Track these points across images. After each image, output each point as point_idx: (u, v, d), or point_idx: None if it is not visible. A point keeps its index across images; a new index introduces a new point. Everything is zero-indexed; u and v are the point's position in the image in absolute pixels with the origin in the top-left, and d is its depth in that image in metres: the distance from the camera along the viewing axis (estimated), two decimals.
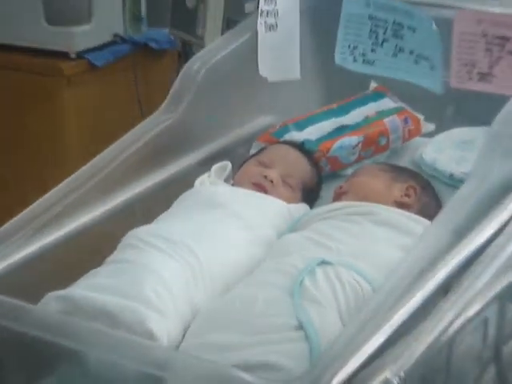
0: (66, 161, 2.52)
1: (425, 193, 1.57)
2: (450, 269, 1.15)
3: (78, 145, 2.57)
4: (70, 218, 1.42)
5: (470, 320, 1.12)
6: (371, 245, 1.36)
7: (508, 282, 1.18)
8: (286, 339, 1.15)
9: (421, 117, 1.83)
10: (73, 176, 1.47)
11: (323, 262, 1.28)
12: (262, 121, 1.86)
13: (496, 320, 1.22)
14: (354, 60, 1.77)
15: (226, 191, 1.56)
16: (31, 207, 1.39)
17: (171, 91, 1.66)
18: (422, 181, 1.61)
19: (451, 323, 1.09)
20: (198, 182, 1.60)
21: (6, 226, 1.35)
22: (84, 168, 1.49)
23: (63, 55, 2.53)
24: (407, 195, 1.54)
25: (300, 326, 1.17)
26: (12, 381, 1.16)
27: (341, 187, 1.60)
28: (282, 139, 1.75)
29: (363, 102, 1.85)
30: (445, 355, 1.12)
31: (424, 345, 1.04)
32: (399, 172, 1.61)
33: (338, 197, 1.58)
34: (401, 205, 1.51)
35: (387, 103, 1.84)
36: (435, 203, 1.56)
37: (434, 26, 1.61)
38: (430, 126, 1.84)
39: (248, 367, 1.09)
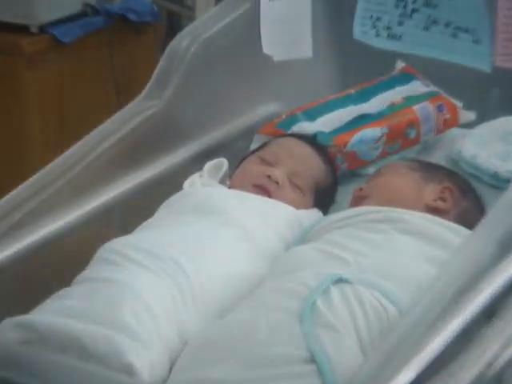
0: (27, 157, 2.53)
1: (464, 196, 1.57)
2: (494, 288, 1.15)
3: (41, 137, 2.58)
4: (33, 226, 1.42)
5: None
6: (397, 258, 1.36)
7: None
8: (294, 374, 1.15)
9: (459, 104, 1.83)
10: (36, 176, 1.47)
11: (339, 280, 1.28)
12: (266, 109, 1.86)
13: None
14: (377, 34, 1.77)
15: (221, 195, 1.55)
16: None
17: (155, 73, 1.67)
18: (460, 181, 1.61)
19: (498, 355, 1.09)
20: (187, 184, 1.61)
21: None
22: (50, 166, 1.49)
23: (23, 29, 2.54)
24: (442, 199, 1.54)
25: (311, 358, 1.16)
26: None
27: (361, 189, 1.60)
28: (289, 131, 1.76)
29: (388, 85, 1.86)
30: None
31: (465, 382, 1.04)
32: (432, 171, 1.61)
33: (357, 201, 1.58)
34: (434, 210, 1.51)
35: (417, 87, 1.84)
36: (477, 209, 1.56)
37: None
38: (469, 115, 1.84)
39: None
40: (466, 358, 1.06)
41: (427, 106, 1.80)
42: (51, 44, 2.56)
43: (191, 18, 2.58)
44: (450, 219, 1.48)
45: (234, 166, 1.66)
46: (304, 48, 1.81)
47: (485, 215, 1.35)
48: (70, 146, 1.52)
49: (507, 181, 1.65)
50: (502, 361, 1.09)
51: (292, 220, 1.54)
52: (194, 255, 1.37)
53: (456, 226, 1.45)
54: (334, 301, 1.25)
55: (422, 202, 1.52)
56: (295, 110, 1.80)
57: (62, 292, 1.32)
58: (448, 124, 1.83)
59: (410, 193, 1.54)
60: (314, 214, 1.60)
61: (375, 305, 1.24)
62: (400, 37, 1.75)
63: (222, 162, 1.66)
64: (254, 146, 1.75)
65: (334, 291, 1.26)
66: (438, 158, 1.78)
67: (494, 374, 1.08)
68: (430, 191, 1.55)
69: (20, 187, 1.44)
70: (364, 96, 1.83)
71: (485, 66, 1.64)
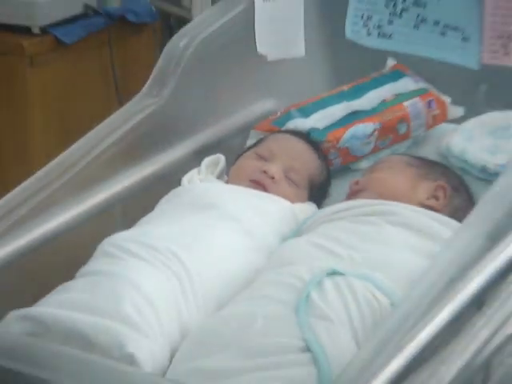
0: (29, 155, 2.52)
1: (457, 194, 1.57)
2: (483, 278, 1.15)
3: (43, 137, 2.57)
4: (37, 222, 1.42)
5: (509, 338, 1.12)
6: (390, 251, 1.36)
7: None
8: (290, 363, 1.15)
9: (447, 99, 1.83)
10: (39, 173, 1.47)
11: (333, 273, 1.28)
12: (261, 106, 1.86)
13: None
14: (368, 33, 1.77)
15: (219, 189, 1.56)
16: None
17: (153, 72, 1.66)
18: (454, 179, 1.60)
19: (487, 342, 1.09)
20: (185, 179, 1.60)
21: None
22: (52, 163, 1.49)
23: (25, 30, 2.52)
24: (435, 197, 1.54)
25: (306, 348, 1.17)
26: None
27: (357, 182, 1.59)
28: (284, 128, 1.76)
29: (379, 82, 1.85)
30: (480, 381, 1.12)
31: (454, 369, 1.04)
32: (428, 167, 1.60)
33: (353, 194, 1.58)
34: (427, 208, 1.50)
35: (408, 84, 1.84)
36: (469, 206, 1.55)
37: None
38: (458, 111, 1.84)
39: None
40: (456, 345, 1.06)
41: (417, 103, 1.80)
42: (53, 45, 2.55)
43: (188, 19, 2.57)
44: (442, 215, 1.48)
45: (231, 161, 1.66)
46: (297, 47, 1.81)
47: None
48: (71, 145, 1.52)
49: (495, 174, 1.64)
50: (490, 348, 1.09)
51: (287, 213, 1.54)
52: (193, 248, 1.37)
53: (446, 218, 1.45)
54: (327, 292, 1.25)
55: (415, 200, 1.52)
56: (290, 107, 1.80)
57: (66, 285, 1.32)
58: (437, 119, 1.83)
59: (405, 190, 1.53)
60: (309, 207, 1.60)
61: (368, 296, 1.25)
62: (390, 35, 1.75)
63: (220, 158, 1.66)
64: (250, 143, 1.75)
65: (328, 283, 1.26)
66: (427, 152, 1.77)
67: (483, 360, 1.08)
68: (424, 189, 1.54)
69: (23, 184, 1.44)
70: (356, 93, 1.82)
71: (473, 64, 1.63)
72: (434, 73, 1.80)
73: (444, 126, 1.84)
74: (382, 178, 1.58)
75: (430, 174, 1.58)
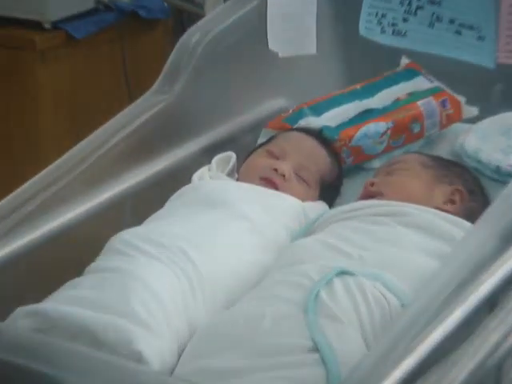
0: (39, 150, 2.53)
1: (472, 197, 1.56)
2: (496, 280, 1.15)
3: (53, 131, 2.58)
4: (46, 217, 1.42)
5: None
6: (401, 251, 1.35)
7: None
8: (298, 363, 1.15)
9: (462, 99, 1.83)
10: (49, 168, 1.47)
11: (343, 272, 1.28)
12: (273, 104, 1.86)
13: None
14: (382, 31, 1.77)
15: (229, 187, 1.55)
16: None
17: (165, 68, 1.66)
18: (470, 181, 1.59)
19: (499, 345, 1.09)
20: (196, 177, 1.60)
21: None
22: (62, 158, 1.49)
23: (36, 26, 2.53)
24: (452, 201, 1.53)
25: (315, 348, 1.16)
26: None
27: (372, 184, 1.58)
28: (295, 126, 1.75)
29: (393, 81, 1.85)
30: None
31: (466, 371, 1.04)
32: (445, 169, 1.59)
33: (368, 196, 1.57)
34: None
35: (421, 83, 1.84)
36: (484, 208, 1.54)
37: None
38: (472, 110, 1.83)
39: None
40: (467, 347, 1.06)
41: (431, 102, 1.79)
42: (64, 40, 2.55)
43: (200, 15, 2.57)
44: None
45: (242, 159, 1.66)
46: (309, 44, 1.80)
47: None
48: (82, 140, 1.52)
49: (509, 175, 1.64)
50: (502, 350, 1.08)
51: (298, 212, 1.53)
52: (203, 246, 1.37)
53: (460, 220, 1.44)
54: (337, 292, 1.24)
55: (432, 205, 1.49)
56: (302, 105, 1.80)
57: (74, 281, 1.32)
58: (451, 119, 1.82)
59: (421, 196, 1.52)
60: (320, 206, 1.60)
61: (377, 296, 1.24)
62: (405, 33, 1.74)
63: (230, 156, 1.66)
64: (261, 140, 1.75)
65: (337, 283, 1.26)
66: (441, 152, 1.77)
67: (494, 363, 1.08)
68: (441, 193, 1.53)
69: (33, 179, 1.44)
70: (369, 91, 1.83)
71: (489, 63, 1.63)
72: (449, 72, 1.79)
73: (458, 125, 1.84)
74: (399, 182, 1.56)
75: (446, 177, 1.56)
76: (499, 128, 1.77)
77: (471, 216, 1.49)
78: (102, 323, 1.20)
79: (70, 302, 1.25)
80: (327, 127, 1.73)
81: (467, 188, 1.56)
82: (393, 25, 1.75)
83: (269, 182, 1.57)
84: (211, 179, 1.59)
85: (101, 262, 1.37)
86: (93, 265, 1.36)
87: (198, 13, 2.80)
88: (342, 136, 1.73)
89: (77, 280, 1.33)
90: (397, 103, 1.79)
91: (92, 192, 1.49)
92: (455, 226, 1.41)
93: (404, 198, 1.49)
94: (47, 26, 2.53)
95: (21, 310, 1.25)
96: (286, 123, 1.77)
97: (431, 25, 1.71)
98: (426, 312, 1.09)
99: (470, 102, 1.82)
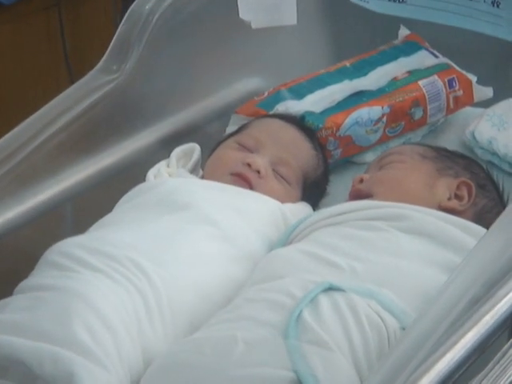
0: None
1: (483, 193, 1.56)
2: None
3: None
4: None
5: None
6: (400, 262, 1.36)
7: None
8: None
9: (473, 78, 1.83)
10: None
11: (330, 288, 1.28)
12: (245, 85, 1.87)
13: None
14: None
15: (192, 186, 1.55)
16: None
17: (113, 42, 1.67)
18: (480, 174, 1.60)
19: None
20: (151, 174, 1.60)
21: None
22: None
23: None
24: (458, 197, 1.54)
25: (297, 380, 1.16)
26: None
27: (361, 180, 1.58)
28: (272, 111, 1.76)
29: (389, 56, 1.86)
30: None
31: None
32: (448, 160, 1.60)
33: (357, 195, 1.57)
34: (448, 211, 1.50)
35: (424, 58, 1.85)
36: (498, 206, 1.55)
37: None
38: (486, 92, 1.84)
39: None
40: (482, 379, 1.06)
41: (436, 82, 1.80)
42: None
43: None
44: (465, 219, 1.47)
45: (208, 152, 1.66)
46: (288, 14, 1.81)
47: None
48: (9, 129, 1.51)
49: None
50: None
51: (276, 215, 1.54)
52: (160, 258, 1.37)
53: (470, 223, 1.45)
54: (323, 312, 1.25)
55: (434, 202, 1.51)
56: (279, 87, 1.80)
57: (2, 303, 1.31)
58: (460, 102, 1.83)
59: (421, 191, 1.53)
60: (302, 208, 1.60)
61: (372, 316, 1.25)
62: None
63: (193, 148, 1.66)
64: (231, 129, 1.75)
65: (324, 301, 1.26)
66: (447, 142, 1.78)
67: None
68: (444, 187, 1.54)
69: None
70: (361, 69, 1.84)
71: (506, 34, 1.64)
72: (457, 46, 1.80)
73: (468, 110, 1.85)
74: (393, 177, 1.57)
75: (450, 169, 1.57)
76: None
77: (483, 216, 1.51)
78: (37, 354, 1.19)
79: None
80: (310, 113, 1.74)
81: (477, 182, 1.56)
82: None
83: (241, 179, 1.57)
84: (170, 177, 1.60)
85: (34, 278, 1.36)
86: (25, 282, 1.36)
87: None
88: (328, 123, 1.73)
89: (6, 301, 1.32)
90: (394, 83, 1.80)
91: (23, 193, 1.48)
92: (465, 232, 1.42)
93: (400, 196, 1.50)
94: None
95: None
96: (261, 108, 1.77)
97: None
98: (431, 336, 1.09)
99: (482, 81, 1.83)
